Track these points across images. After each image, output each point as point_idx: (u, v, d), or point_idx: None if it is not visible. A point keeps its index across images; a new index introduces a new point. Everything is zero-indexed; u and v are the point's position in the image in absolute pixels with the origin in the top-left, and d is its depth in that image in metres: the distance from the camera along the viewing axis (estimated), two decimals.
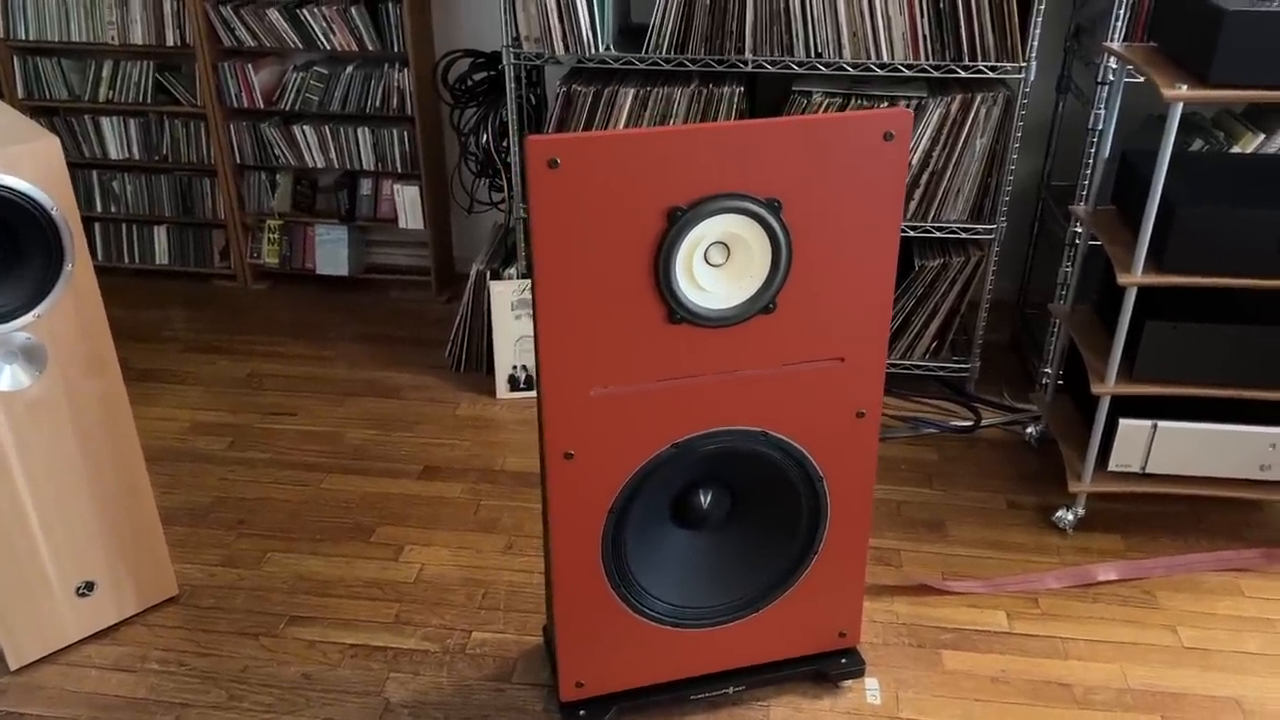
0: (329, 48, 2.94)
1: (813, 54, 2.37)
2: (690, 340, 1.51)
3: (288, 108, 3.04)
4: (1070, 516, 2.21)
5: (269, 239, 3.23)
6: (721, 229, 1.45)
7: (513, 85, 2.51)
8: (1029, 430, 2.52)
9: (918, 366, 2.68)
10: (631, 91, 2.46)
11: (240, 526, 2.24)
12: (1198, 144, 2.36)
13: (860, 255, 1.53)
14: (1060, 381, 2.45)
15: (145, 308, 3.21)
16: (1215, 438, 2.09)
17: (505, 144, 2.65)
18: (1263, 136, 2.31)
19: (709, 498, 1.71)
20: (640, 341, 1.50)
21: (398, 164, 3.07)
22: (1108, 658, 1.90)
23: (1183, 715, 1.78)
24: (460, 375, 2.84)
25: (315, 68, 2.99)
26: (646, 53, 2.40)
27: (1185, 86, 1.78)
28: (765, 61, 2.38)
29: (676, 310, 1.48)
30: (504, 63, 2.48)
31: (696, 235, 1.45)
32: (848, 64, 2.36)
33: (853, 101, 2.40)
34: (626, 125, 2.50)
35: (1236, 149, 2.33)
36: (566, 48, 2.41)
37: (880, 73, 2.36)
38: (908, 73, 2.36)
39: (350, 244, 3.23)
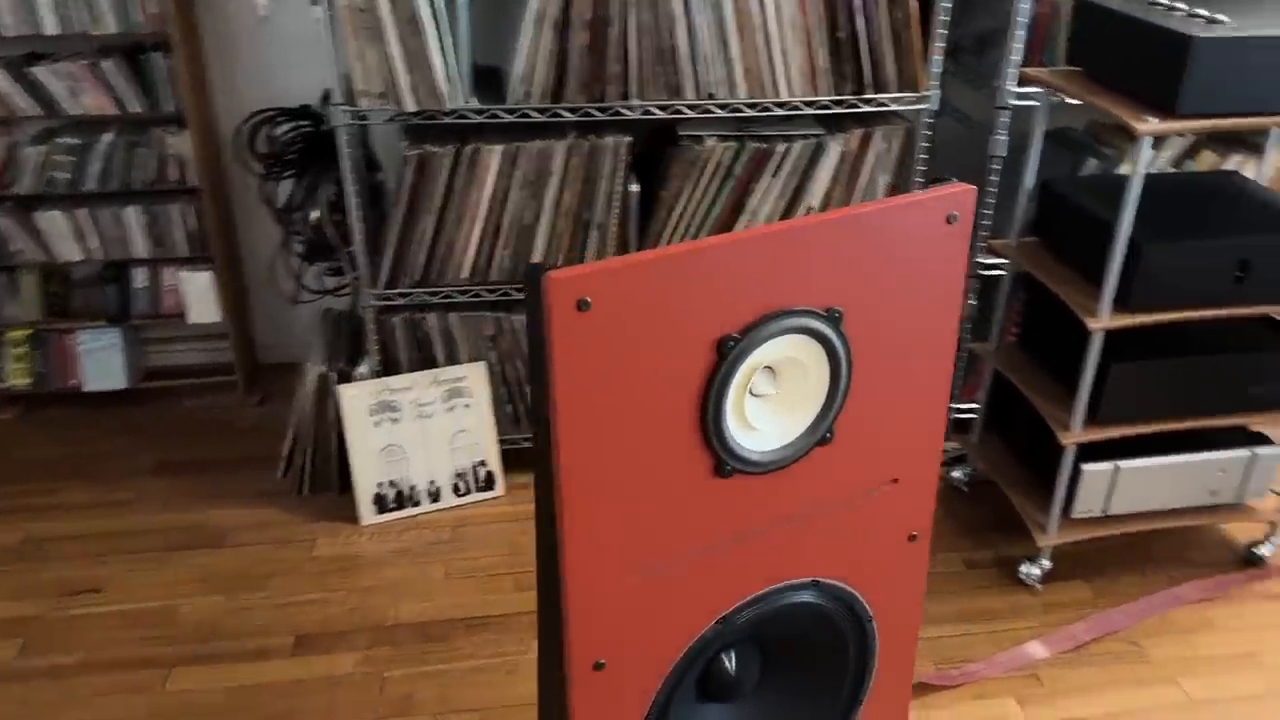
0: (76, 111, 2.32)
1: (704, 95, 2.09)
2: (738, 492, 1.19)
3: (24, 191, 2.38)
4: (1037, 571, 2.08)
5: (14, 355, 2.53)
6: (775, 354, 1.14)
7: (346, 150, 2.05)
8: (955, 474, 2.39)
9: None
10: (498, 150, 2.07)
11: None
12: (1091, 163, 2.31)
13: (920, 359, 1.27)
14: (985, 420, 2.33)
15: None
16: (1170, 470, 2.02)
17: (340, 219, 2.18)
18: (1151, 153, 2.29)
19: (735, 662, 1.40)
20: (684, 506, 1.16)
21: (182, 247, 2.49)
22: None
23: None
24: (306, 501, 2.33)
25: (59, 138, 2.36)
26: (515, 103, 2.03)
27: (1154, 119, 1.67)
28: (654, 106, 2.08)
29: (726, 461, 1.15)
30: (335, 124, 2.02)
31: (749, 367, 1.13)
32: (743, 104, 2.11)
33: (746, 145, 2.15)
34: (496, 188, 2.11)
35: (1125, 167, 2.30)
36: (418, 101, 1.98)
37: (779, 112, 2.13)
38: (807, 110, 2.13)
39: (125, 348, 2.60)
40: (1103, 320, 1.82)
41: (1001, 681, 1.87)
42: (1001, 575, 2.12)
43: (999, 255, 2.17)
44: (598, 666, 1.18)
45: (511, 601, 2.04)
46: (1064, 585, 2.09)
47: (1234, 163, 2.33)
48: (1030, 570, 2.08)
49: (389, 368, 2.29)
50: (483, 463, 2.32)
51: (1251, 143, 2.37)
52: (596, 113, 2.06)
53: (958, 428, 2.56)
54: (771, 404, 1.18)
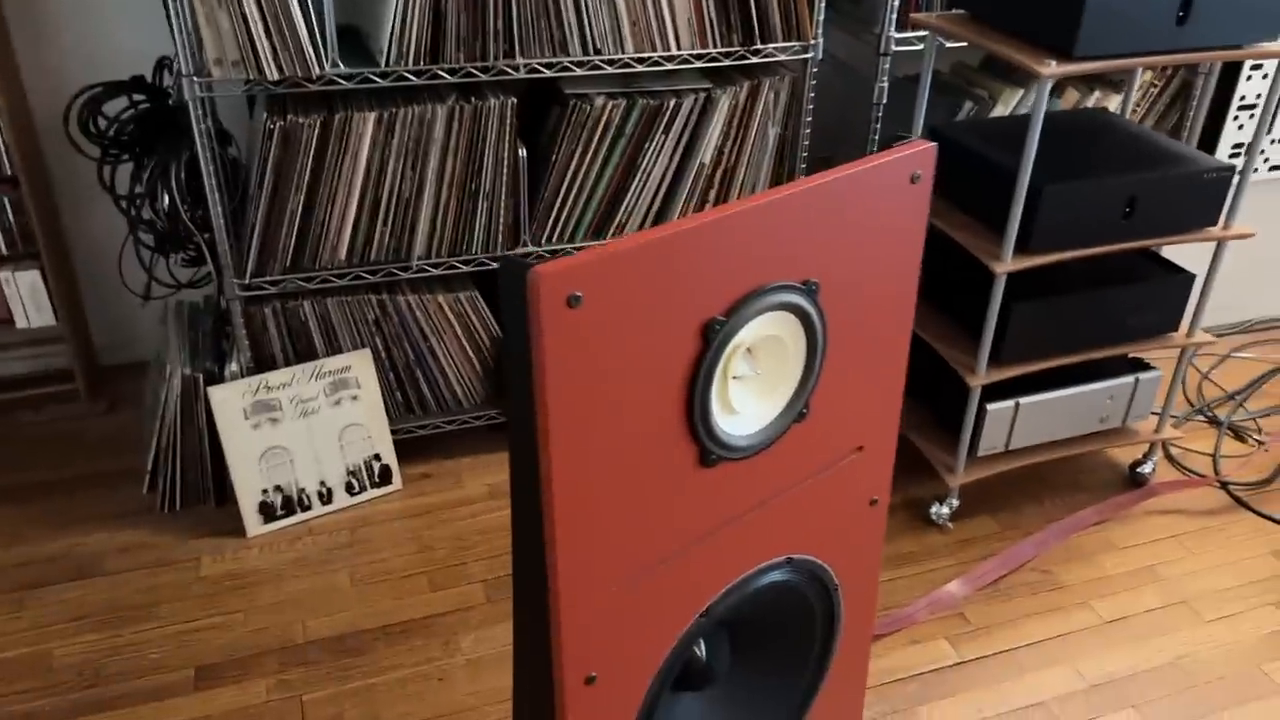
0: None
1: (591, 50, 1.98)
2: (720, 480, 1.13)
3: None
4: (946, 510, 2.13)
5: None
6: (756, 333, 1.08)
7: (201, 127, 1.83)
8: None
9: None
10: (371, 116, 1.90)
11: None
12: (967, 106, 2.34)
13: (885, 322, 1.23)
14: None
15: None
16: (1065, 403, 2.10)
17: (193, 203, 1.95)
18: (1021, 91, 2.34)
19: (704, 649, 1.35)
20: (671, 502, 1.08)
21: (1, 245, 2.19)
22: (1055, 658, 1.84)
23: (1146, 696, 1.76)
24: (179, 518, 2.11)
25: None
26: (388, 65, 1.86)
27: (1054, 62, 1.68)
28: (539, 64, 1.95)
29: (711, 449, 1.08)
30: (187, 97, 1.79)
31: (731, 349, 1.06)
32: (632, 59, 2.01)
33: (636, 102, 2.05)
34: (371, 160, 1.94)
35: (999, 108, 2.35)
36: (280, 69, 1.78)
37: (669, 66, 2.04)
38: (697, 64, 2.06)
39: None
40: (1006, 264, 1.85)
41: (931, 624, 1.91)
42: (913, 518, 2.16)
43: None
44: (589, 680, 1.10)
45: (430, 603, 1.92)
46: (972, 521, 2.15)
47: (1095, 100, 2.42)
48: (940, 510, 2.13)
49: (263, 364, 2.09)
50: (377, 456, 2.17)
51: (1112, 80, 2.46)
52: (478, 73, 1.92)
53: None
54: (752, 385, 1.12)
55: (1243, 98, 2.49)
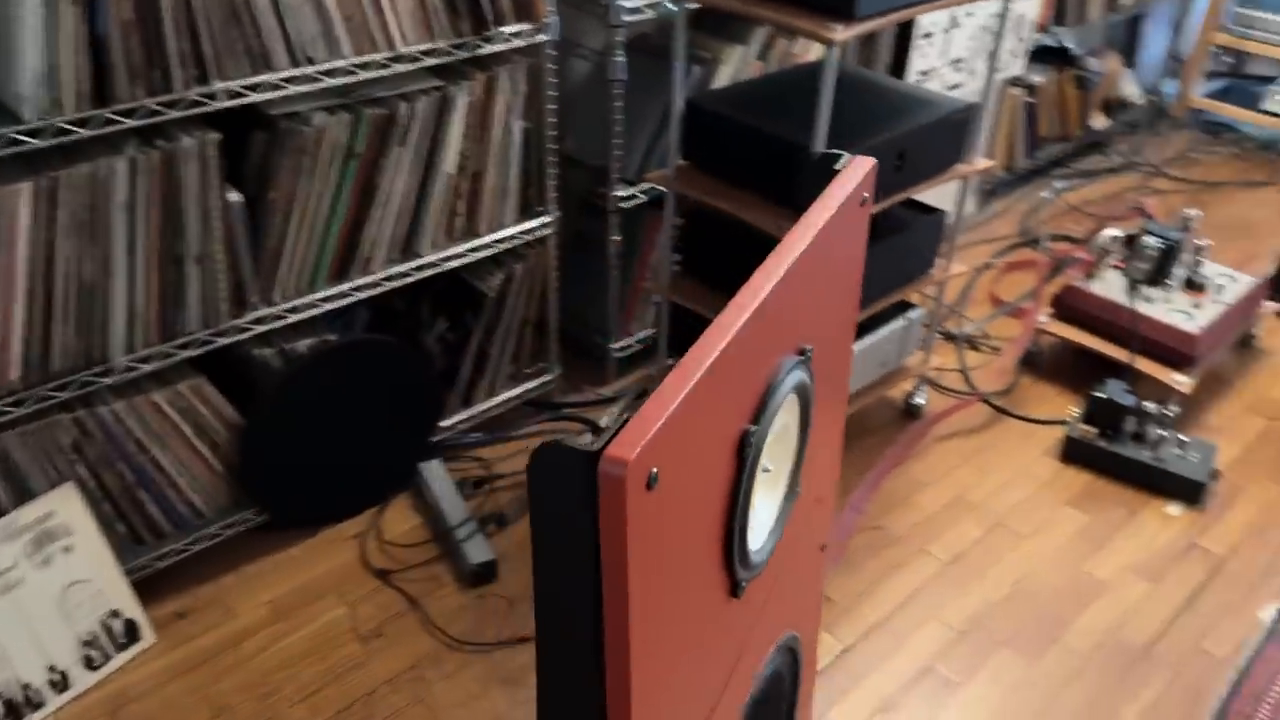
0: None
1: (301, 59, 1.59)
2: (744, 603, 0.92)
3: None
4: None
5: None
6: (774, 429, 0.88)
7: None
8: None
9: (501, 404, 2.20)
10: (25, 189, 1.39)
11: None
12: (694, 69, 2.22)
13: (839, 360, 1.08)
14: (670, 357, 2.22)
15: None
16: (857, 359, 2.10)
17: None
18: (740, 47, 2.26)
19: None
20: (711, 646, 0.87)
21: None
22: (921, 616, 1.85)
23: (1009, 629, 1.83)
24: None
25: None
26: (37, 119, 1.35)
27: (841, 27, 1.59)
28: (239, 87, 1.53)
29: (741, 578, 0.88)
30: None
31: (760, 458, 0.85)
32: (353, 65, 1.64)
33: (363, 114, 1.70)
34: (34, 243, 1.42)
35: (726, 67, 2.25)
36: None
37: (397, 68, 1.70)
38: (427, 60, 1.73)
39: None
40: None
41: None
42: None
43: (658, 185, 2.02)
44: None
45: None
46: None
47: (799, 46, 2.41)
48: None
49: None
50: (115, 613, 1.68)
51: None
52: (164, 109, 1.47)
53: (622, 368, 2.43)
54: (763, 486, 0.92)
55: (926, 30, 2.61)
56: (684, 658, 0.80)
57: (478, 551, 1.88)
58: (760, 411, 0.82)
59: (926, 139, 1.90)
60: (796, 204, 1.76)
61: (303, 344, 1.83)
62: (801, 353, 0.90)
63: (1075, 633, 1.82)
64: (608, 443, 0.62)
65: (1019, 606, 1.88)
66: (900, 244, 2.03)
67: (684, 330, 2.16)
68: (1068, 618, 1.86)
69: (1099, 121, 3.61)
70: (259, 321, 1.73)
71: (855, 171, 0.97)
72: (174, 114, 1.48)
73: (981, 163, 2.06)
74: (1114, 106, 3.69)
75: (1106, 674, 1.74)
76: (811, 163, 1.02)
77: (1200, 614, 1.86)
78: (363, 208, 1.79)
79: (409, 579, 1.88)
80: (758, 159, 1.84)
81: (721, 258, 2.03)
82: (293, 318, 1.77)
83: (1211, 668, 1.76)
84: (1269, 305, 2.54)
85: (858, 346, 2.09)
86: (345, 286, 1.82)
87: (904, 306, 2.22)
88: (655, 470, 0.64)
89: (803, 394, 0.92)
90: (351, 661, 1.72)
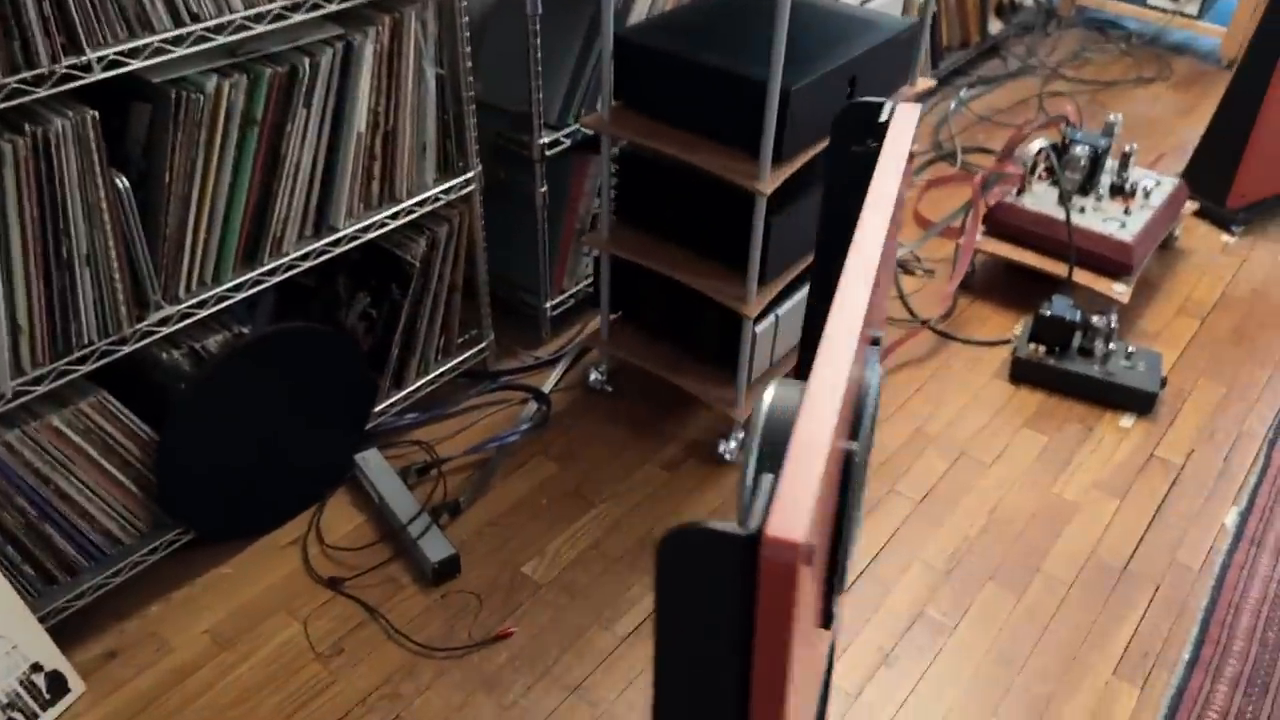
0: None
1: (186, 17, 1.35)
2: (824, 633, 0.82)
3: None
4: (734, 445, 1.98)
5: None
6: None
7: None
8: (593, 378, 2.13)
9: (435, 379, 2.03)
10: None
11: None
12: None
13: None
14: (614, 315, 2.08)
15: None
16: (801, 301, 2.01)
17: None
18: None
19: None
20: (813, 685, 0.76)
21: None
22: (904, 558, 1.81)
23: (991, 562, 1.81)
24: None
25: None
26: None
27: None
28: (116, 54, 1.29)
29: (833, 606, 0.77)
30: None
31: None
32: (246, 18, 1.41)
33: (260, 73, 1.47)
34: None
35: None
36: None
37: (295, 17, 1.47)
38: (329, 5, 1.51)
39: None
40: (767, 182, 1.65)
41: None
42: (703, 464, 1.98)
43: (590, 129, 1.85)
44: None
45: None
46: None
47: None
48: (729, 446, 1.98)
49: None
50: (36, 666, 1.48)
51: None
52: (29, 87, 1.22)
53: (556, 326, 2.28)
54: None
55: None
56: (805, 704, 0.69)
57: (436, 547, 1.73)
58: (857, 425, 0.70)
59: (876, 63, 1.79)
60: (754, 144, 1.63)
61: (214, 341, 1.62)
62: (875, 342, 0.79)
63: (1055, 559, 1.81)
64: (761, 522, 0.49)
65: (996, 538, 1.85)
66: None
67: (624, 282, 2.02)
68: (1045, 545, 1.84)
69: (994, 25, 3.58)
70: (164, 323, 1.51)
71: (906, 123, 0.85)
72: (41, 92, 1.24)
73: (923, 83, 1.97)
74: (1005, 9, 3.66)
75: (1091, 599, 1.74)
76: (840, 118, 0.89)
77: (1169, 526, 1.88)
78: (268, 181, 1.57)
79: (363, 585, 1.72)
80: (705, 97, 1.70)
81: (660, 203, 1.89)
82: (202, 313, 1.56)
83: (1189, 580, 1.77)
84: (1189, 205, 2.57)
85: (803, 290, 2.00)
86: (256, 272, 1.61)
87: None
88: (812, 543, 0.52)
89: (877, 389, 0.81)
90: (315, 685, 1.57)
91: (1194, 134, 3.10)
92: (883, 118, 0.86)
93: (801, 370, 1.04)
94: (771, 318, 1.91)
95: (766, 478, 0.53)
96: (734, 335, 1.87)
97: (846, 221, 0.92)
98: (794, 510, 0.50)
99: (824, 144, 1.78)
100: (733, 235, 1.78)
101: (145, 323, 1.48)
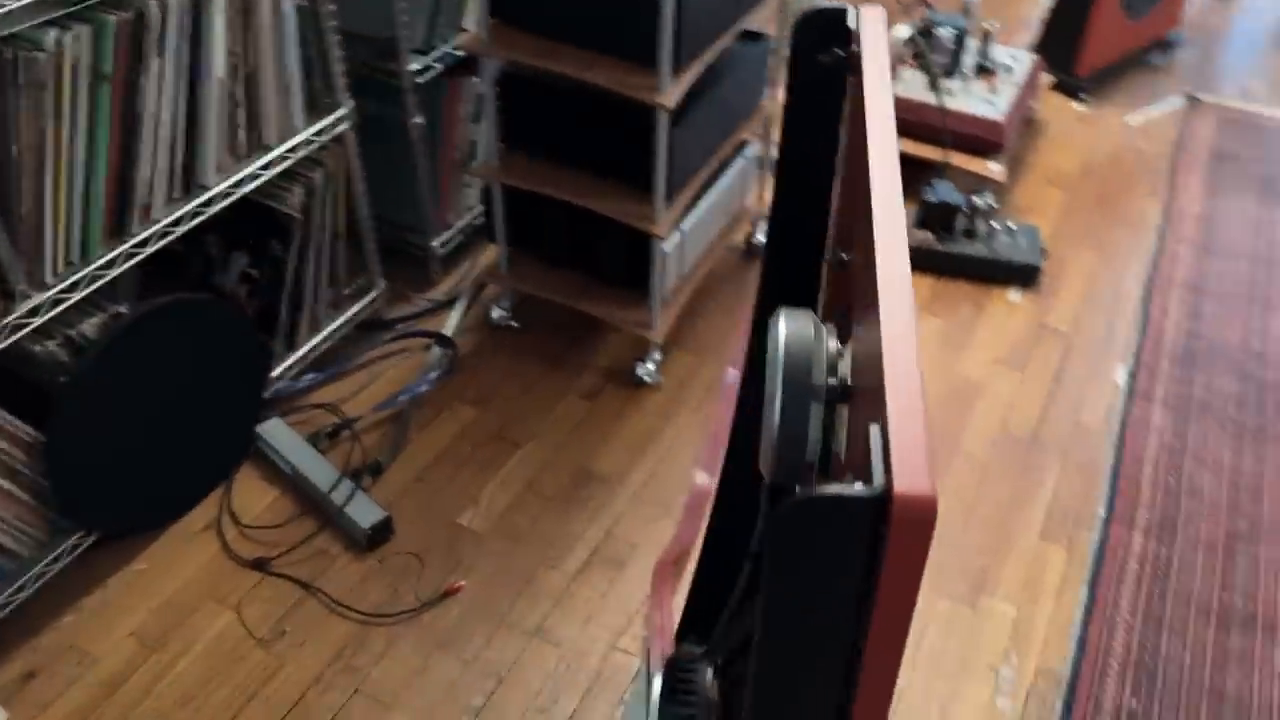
0: None
1: None
2: None
3: None
4: (653, 366, 1.95)
5: None
6: None
7: None
8: (495, 314, 2.05)
9: (329, 336, 1.91)
10: None
11: None
12: None
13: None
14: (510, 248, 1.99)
15: None
16: (711, 210, 1.98)
17: None
18: None
19: None
20: None
21: None
22: None
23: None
24: None
25: None
26: None
27: None
28: None
29: None
30: None
31: None
32: None
33: (105, 22, 1.30)
34: None
35: None
36: None
37: None
38: None
39: None
40: (668, 95, 1.59)
41: None
42: (621, 389, 1.95)
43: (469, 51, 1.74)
44: None
45: None
46: (673, 365, 2.01)
47: None
48: (646, 368, 1.95)
49: None
50: None
51: None
52: None
53: (446, 264, 2.18)
54: None
55: None
56: None
57: (365, 512, 1.65)
58: None
59: None
60: (650, 54, 1.57)
61: (90, 325, 1.47)
62: None
63: (970, 437, 1.89)
64: (885, 480, 0.47)
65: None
66: (737, 80, 1.90)
67: (518, 212, 1.94)
68: (959, 424, 1.91)
69: None
70: (34, 313, 1.35)
71: (877, 28, 0.81)
72: None
73: None
74: None
75: (1009, 471, 1.83)
76: (800, 25, 0.85)
77: (1067, 391, 1.98)
78: (128, 142, 1.41)
79: (293, 561, 1.63)
80: (591, 6, 1.61)
81: (549, 126, 1.81)
82: (74, 296, 1.40)
83: (1093, 441, 1.88)
84: (1046, 78, 2.65)
85: (711, 197, 1.97)
86: (128, 244, 1.46)
87: (738, 145, 2.11)
88: (935, 493, 0.50)
89: None
90: (263, 672, 1.49)
91: (1037, 6, 3.19)
92: (850, 24, 0.82)
93: (765, 293, 1.01)
94: (677, 234, 1.88)
95: (873, 429, 0.50)
96: (642, 256, 1.83)
97: (818, 135, 0.89)
98: (914, 463, 0.47)
99: (719, 44, 1.73)
100: (632, 152, 1.72)
101: (13, 315, 1.32)
